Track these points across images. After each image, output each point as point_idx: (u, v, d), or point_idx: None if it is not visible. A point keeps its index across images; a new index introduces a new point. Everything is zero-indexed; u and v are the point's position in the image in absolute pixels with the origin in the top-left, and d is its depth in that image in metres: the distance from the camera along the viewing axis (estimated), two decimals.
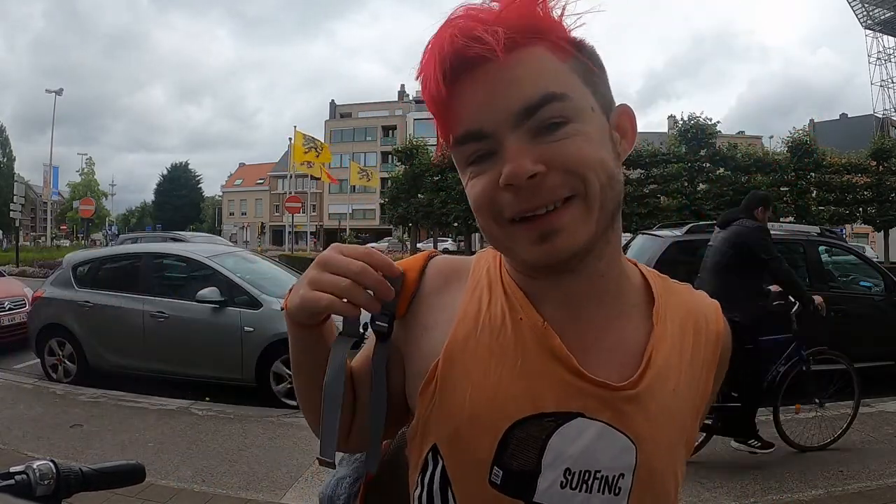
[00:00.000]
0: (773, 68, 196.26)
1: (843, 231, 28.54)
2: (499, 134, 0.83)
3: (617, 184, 0.88)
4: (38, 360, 9.19)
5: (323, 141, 76.46)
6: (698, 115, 29.02)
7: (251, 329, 7.86)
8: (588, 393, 0.88)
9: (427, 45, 0.86)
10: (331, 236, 69.61)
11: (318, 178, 39.15)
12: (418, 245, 35.73)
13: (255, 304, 8.02)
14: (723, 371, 1.06)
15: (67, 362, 8.89)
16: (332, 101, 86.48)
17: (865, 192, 28.27)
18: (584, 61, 0.88)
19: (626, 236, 10.89)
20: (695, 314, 1.02)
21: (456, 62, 0.83)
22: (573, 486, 0.87)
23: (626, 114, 0.94)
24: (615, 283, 0.96)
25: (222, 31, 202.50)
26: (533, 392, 0.88)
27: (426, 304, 1.00)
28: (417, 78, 0.88)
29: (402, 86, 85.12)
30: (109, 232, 66.01)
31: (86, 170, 70.90)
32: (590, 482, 0.87)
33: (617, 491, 0.88)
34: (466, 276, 1.02)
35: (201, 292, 8.15)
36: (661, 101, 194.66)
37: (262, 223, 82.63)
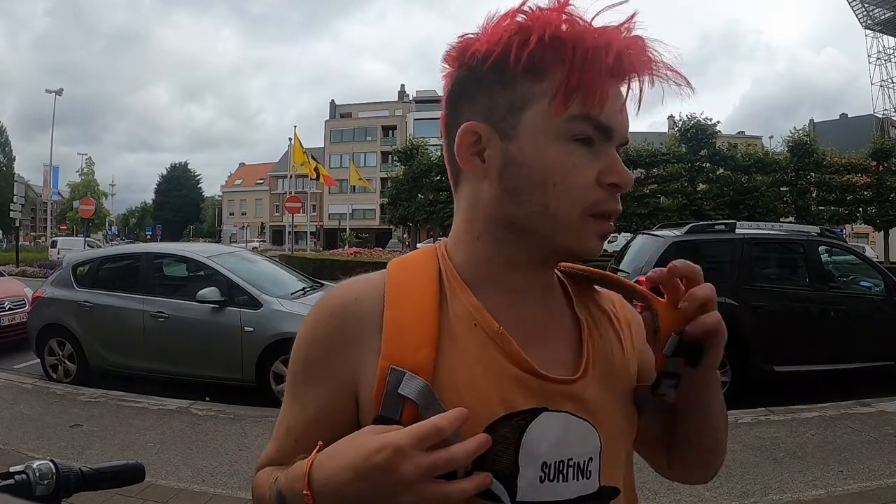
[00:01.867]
0: (777, 68, 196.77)
1: (843, 231, 28.60)
2: (611, 143, 0.92)
3: None
4: (39, 360, 9.19)
5: (322, 144, 77.10)
6: (698, 114, 29.04)
7: (251, 329, 7.85)
8: (548, 389, 0.92)
9: (586, 21, 0.88)
10: (331, 236, 69.64)
11: (317, 179, 39.11)
12: (418, 245, 35.71)
13: (255, 304, 8.01)
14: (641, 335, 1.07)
15: (67, 362, 8.89)
16: (332, 101, 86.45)
17: (865, 192, 28.35)
18: None
19: (626, 236, 10.91)
20: (604, 302, 1.11)
21: (630, 63, 0.90)
22: (550, 477, 0.90)
23: None
24: (555, 279, 1.07)
25: (227, 30, 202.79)
26: (501, 394, 0.89)
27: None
28: (594, 42, 0.87)
29: (403, 86, 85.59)
30: (109, 232, 66.09)
31: (86, 170, 70.92)
32: (564, 471, 0.91)
33: (588, 474, 0.93)
34: (371, 306, 0.94)
35: (201, 292, 8.14)
36: (667, 100, 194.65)
37: (262, 223, 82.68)
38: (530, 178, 0.91)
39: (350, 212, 68.62)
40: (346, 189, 64.49)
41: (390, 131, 77.17)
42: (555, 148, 0.89)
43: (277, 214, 76.66)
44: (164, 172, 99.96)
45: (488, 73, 0.92)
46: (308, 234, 48.55)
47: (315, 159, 38.96)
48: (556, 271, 1.07)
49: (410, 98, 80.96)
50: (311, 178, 40.24)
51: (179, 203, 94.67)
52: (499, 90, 0.92)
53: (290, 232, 42.30)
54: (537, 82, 0.89)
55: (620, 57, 0.87)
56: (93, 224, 58.07)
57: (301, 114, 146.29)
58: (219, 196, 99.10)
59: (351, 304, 0.95)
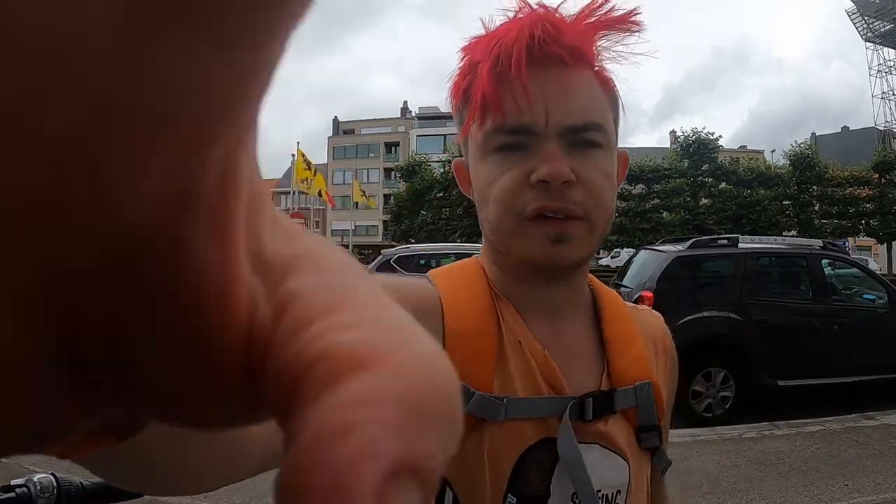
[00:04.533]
0: (786, 82, 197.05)
1: (847, 244, 28.58)
2: (543, 136, 0.88)
3: (611, 219, 0.96)
4: None
5: (325, 160, 77.23)
6: (700, 129, 29.10)
7: None
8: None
9: (504, 26, 0.91)
10: None
11: (319, 196, 39.21)
12: (421, 262, 35.67)
13: None
14: (675, 382, 1.11)
15: None
16: (335, 117, 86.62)
17: (868, 205, 28.41)
18: (617, 101, 0.98)
19: (629, 251, 10.92)
20: (644, 330, 1.05)
21: (538, 53, 0.87)
22: None
23: (624, 160, 1.01)
24: (585, 296, 1.02)
25: None
26: (539, 416, 0.90)
27: None
28: (490, 51, 0.89)
29: (405, 102, 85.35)
30: None
31: None
32: (593, 503, 0.89)
33: None
34: (436, 307, 0.93)
35: None
36: (676, 116, 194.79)
37: None
38: (478, 198, 0.96)
39: (353, 228, 68.60)
40: (349, 205, 64.56)
41: (393, 148, 77.29)
42: (483, 165, 0.93)
43: None
44: None
45: (455, 116, 1.00)
46: None
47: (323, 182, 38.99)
48: (592, 287, 1.05)
49: (413, 114, 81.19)
50: (314, 197, 40.34)
51: None
52: (458, 126, 0.99)
53: None
54: (468, 107, 0.94)
55: (535, 47, 0.87)
56: None
57: (308, 129, 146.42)
58: None
59: (417, 292, 0.93)
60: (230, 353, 0.17)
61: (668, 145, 47.06)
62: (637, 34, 0.92)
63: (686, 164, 28.64)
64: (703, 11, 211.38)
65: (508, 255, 0.94)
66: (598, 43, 0.92)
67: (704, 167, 28.55)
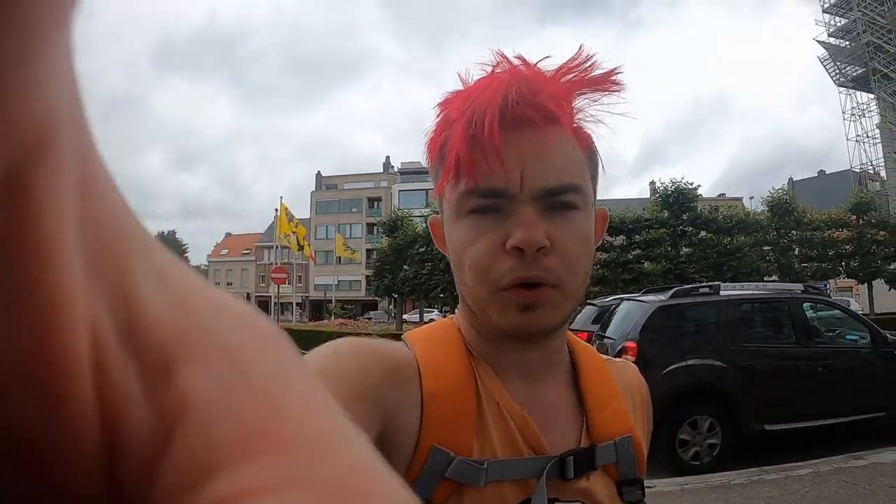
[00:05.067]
0: (762, 129, 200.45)
1: (828, 286, 28.80)
2: (518, 199, 0.86)
3: (586, 282, 0.93)
4: None
5: (308, 215, 77.37)
6: (679, 179, 29.39)
7: None
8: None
9: (479, 84, 0.89)
10: (317, 308, 69.49)
11: (301, 250, 39.22)
12: (404, 317, 35.68)
13: None
14: (650, 429, 1.10)
15: None
16: (318, 172, 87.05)
17: (847, 246, 28.70)
18: (595, 160, 0.95)
19: (611, 302, 10.92)
20: (621, 383, 1.04)
21: (512, 115, 0.85)
22: None
23: (603, 217, 1.00)
24: (563, 356, 1.01)
25: (224, 97, 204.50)
26: (519, 477, 0.88)
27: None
28: (465, 111, 0.87)
29: (388, 157, 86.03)
30: None
31: None
32: None
33: None
34: (412, 369, 0.90)
35: None
36: (657, 166, 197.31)
37: (248, 293, 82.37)
38: (453, 259, 0.93)
39: (336, 283, 68.64)
40: (332, 260, 64.57)
41: (375, 203, 77.58)
42: (458, 227, 0.91)
43: (263, 285, 76.27)
44: None
45: (431, 173, 0.99)
46: (294, 304, 48.49)
47: (305, 232, 39.12)
48: (569, 344, 1.04)
49: (395, 169, 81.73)
50: (295, 251, 40.27)
51: None
52: (434, 184, 0.97)
53: (275, 303, 42.16)
54: (443, 168, 0.92)
55: (509, 108, 0.85)
56: None
57: (293, 183, 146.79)
58: (205, 265, 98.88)
59: (394, 354, 0.90)
60: (82, 478, 0.15)
61: (648, 196, 47.47)
62: (617, 94, 0.91)
63: (666, 215, 28.79)
64: (682, 62, 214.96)
65: (483, 319, 0.92)
66: (576, 102, 0.91)
67: (684, 216, 28.75)
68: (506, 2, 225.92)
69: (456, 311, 1.03)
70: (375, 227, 52.19)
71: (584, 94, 0.91)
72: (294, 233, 36.29)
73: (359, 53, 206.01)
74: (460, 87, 0.93)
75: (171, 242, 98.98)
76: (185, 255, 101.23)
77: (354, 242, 66.36)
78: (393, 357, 0.88)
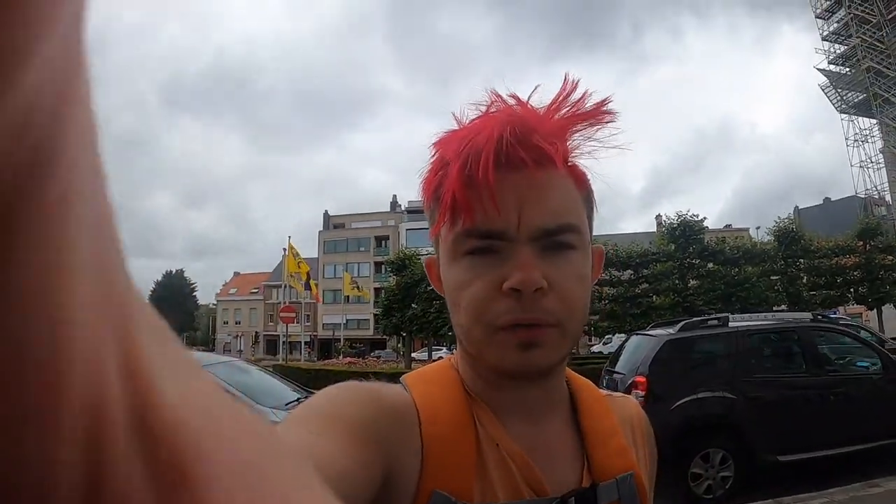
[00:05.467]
0: (766, 158, 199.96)
1: (837, 313, 28.56)
2: (515, 241, 0.86)
3: (585, 321, 0.94)
4: None
5: (316, 254, 77.31)
6: (685, 212, 29.35)
7: None
8: None
9: (474, 125, 0.89)
10: (325, 346, 69.16)
11: (308, 289, 39.20)
12: (413, 355, 35.51)
13: None
14: (654, 465, 1.10)
15: None
16: (326, 211, 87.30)
17: (855, 273, 28.43)
18: (591, 197, 0.95)
19: (620, 337, 10.90)
20: (621, 418, 1.04)
21: (507, 156, 0.85)
22: None
23: (599, 255, 1.01)
24: (562, 394, 1.00)
25: (234, 136, 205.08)
26: None
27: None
28: (461, 152, 0.86)
29: (395, 196, 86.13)
30: None
31: None
32: None
33: None
34: (411, 413, 0.90)
35: None
36: (664, 201, 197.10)
37: (257, 332, 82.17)
38: (449, 300, 0.93)
39: (344, 322, 68.36)
40: (340, 299, 64.39)
41: (383, 241, 77.69)
42: (454, 268, 0.90)
43: (272, 324, 76.18)
44: (159, 279, 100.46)
45: (427, 214, 0.98)
46: (302, 343, 48.32)
47: (308, 269, 39.18)
48: (568, 381, 1.03)
49: (403, 208, 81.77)
50: (300, 292, 40.26)
51: (174, 311, 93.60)
52: (430, 225, 0.97)
53: (284, 342, 42.09)
54: (439, 209, 0.91)
55: (503, 150, 0.84)
56: None
57: (301, 222, 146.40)
58: (213, 304, 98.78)
59: (393, 397, 0.89)
60: None
61: (654, 229, 47.44)
62: (610, 125, 0.91)
63: (673, 248, 28.65)
64: (686, 94, 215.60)
65: (481, 361, 0.91)
66: (571, 140, 0.91)
67: (691, 249, 28.62)
68: (512, 39, 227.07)
69: (453, 351, 1.03)
70: (383, 266, 52.18)
71: (579, 129, 0.90)
72: (297, 272, 36.35)
73: (367, 92, 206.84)
74: (455, 126, 0.93)
75: (180, 281, 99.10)
76: (194, 294, 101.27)
77: (362, 281, 66.34)
78: (393, 401, 0.88)
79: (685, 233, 28.71)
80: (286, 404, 8.37)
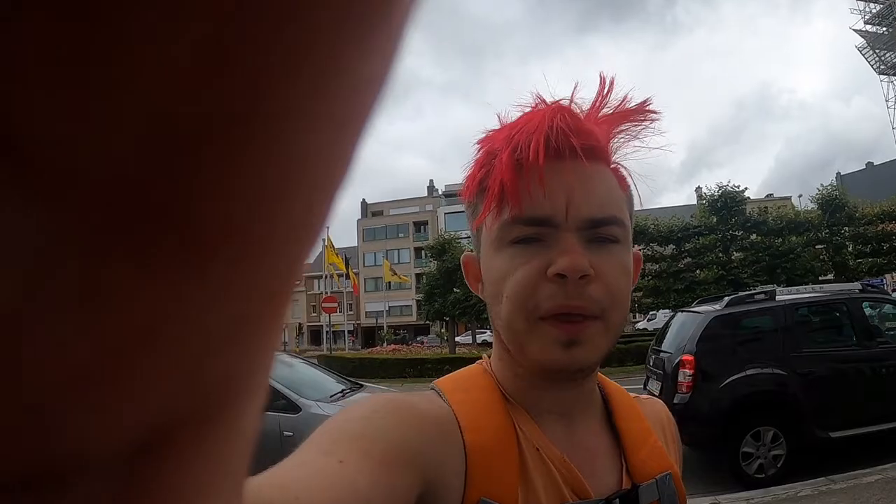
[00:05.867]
0: (807, 125, 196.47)
1: (884, 282, 28.02)
2: (562, 228, 0.84)
3: (626, 319, 0.94)
4: None
5: (356, 243, 77.64)
6: (725, 183, 28.99)
7: (290, 433, 7.68)
8: None
9: (522, 118, 0.89)
10: (369, 334, 69.62)
11: (347, 277, 39.49)
12: (457, 339, 35.65)
13: (293, 408, 7.93)
14: (680, 469, 1.06)
15: None
16: (363, 199, 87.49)
17: None
18: (631, 199, 0.95)
19: (665, 313, 10.79)
20: (652, 420, 1.03)
21: (557, 144, 0.84)
22: None
23: (638, 259, 0.99)
24: (596, 395, 0.99)
25: None
26: None
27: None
28: (511, 139, 0.86)
29: (431, 181, 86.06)
30: None
31: None
32: None
33: None
34: (453, 424, 0.87)
35: None
36: (704, 173, 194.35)
37: (300, 323, 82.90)
38: (490, 293, 0.91)
39: (387, 309, 68.70)
40: (382, 287, 64.74)
41: (422, 227, 77.61)
42: (498, 258, 0.88)
43: (315, 314, 76.80)
44: None
45: (466, 209, 0.98)
46: (346, 332, 48.71)
47: (347, 260, 39.45)
48: (599, 383, 1.01)
49: (440, 192, 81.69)
50: (342, 276, 40.50)
51: None
52: (471, 219, 0.96)
53: (327, 332, 42.44)
54: (483, 198, 0.90)
55: (554, 136, 0.84)
56: None
57: (340, 212, 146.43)
58: None
59: (433, 411, 0.87)
60: None
61: (695, 202, 46.87)
62: (653, 125, 0.91)
63: (715, 220, 28.34)
64: (722, 62, 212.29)
65: (520, 357, 0.89)
66: (614, 140, 0.91)
67: (733, 221, 28.27)
68: (542, 15, 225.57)
69: (485, 356, 1.01)
70: (423, 252, 52.26)
71: (622, 130, 0.90)
72: (334, 263, 36.61)
73: (398, 78, 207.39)
74: (499, 125, 0.93)
75: None
76: None
77: (402, 268, 66.59)
78: (432, 415, 0.86)
79: (727, 204, 28.41)
80: (330, 396, 8.45)
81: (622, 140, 0.91)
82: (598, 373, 1.01)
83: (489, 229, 0.90)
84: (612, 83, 0.89)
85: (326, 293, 39.96)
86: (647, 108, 0.90)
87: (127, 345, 0.13)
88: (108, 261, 0.13)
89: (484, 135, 0.94)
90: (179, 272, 0.13)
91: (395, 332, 63.45)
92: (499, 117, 0.93)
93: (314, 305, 76.89)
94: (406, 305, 74.80)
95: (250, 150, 0.14)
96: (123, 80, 0.12)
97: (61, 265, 0.12)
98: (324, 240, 38.41)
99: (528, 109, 0.90)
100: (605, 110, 0.89)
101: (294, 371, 9.52)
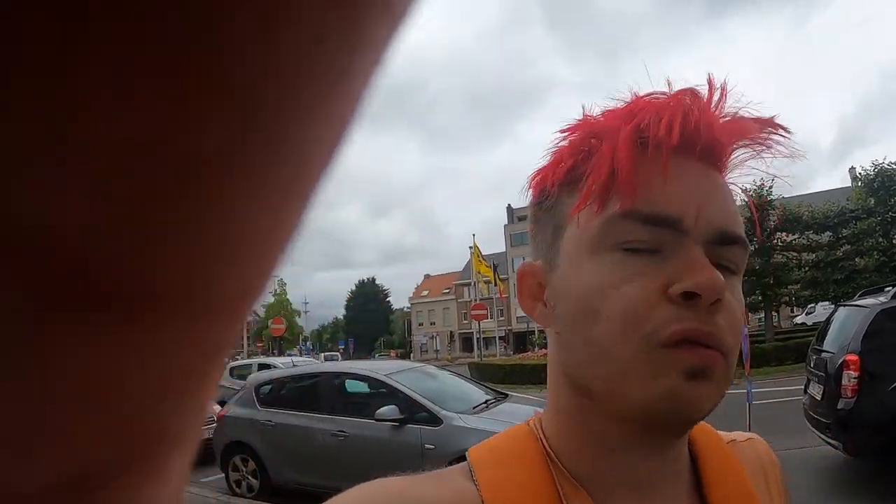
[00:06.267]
0: None
1: None
2: (690, 237, 0.63)
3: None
4: (224, 475, 9.65)
5: (503, 249, 77.89)
6: (881, 160, 27.00)
7: (432, 446, 7.72)
8: None
9: (645, 96, 0.69)
10: (520, 339, 69.42)
11: (494, 284, 39.64)
12: None
13: (435, 420, 7.90)
14: None
15: (251, 478, 9.25)
16: (509, 205, 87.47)
17: None
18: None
19: (824, 306, 9.99)
20: (749, 469, 0.78)
21: (691, 133, 0.65)
22: None
23: None
24: (684, 459, 0.73)
25: (411, 145, 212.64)
26: None
27: None
28: (631, 118, 0.66)
29: None
30: (303, 348, 69.00)
31: (278, 291, 74.90)
32: None
33: None
34: None
35: (380, 410, 8.11)
36: (856, 150, 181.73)
37: (451, 332, 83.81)
38: (570, 311, 0.67)
39: None
40: None
41: None
42: (592, 265, 0.65)
43: (466, 322, 77.47)
44: (353, 289, 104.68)
45: (537, 206, 0.76)
46: (497, 338, 48.65)
47: (495, 266, 39.47)
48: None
49: None
50: (488, 283, 40.65)
51: (369, 317, 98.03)
52: (545, 217, 0.74)
53: (478, 338, 42.59)
54: (576, 192, 0.68)
55: (683, 127, 0.64)
56: (286, 341, 60.64)
57: (487, 219, 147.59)
58: (407, 308, 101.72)
59: (443, 500, 0.66)
60: None
61: (849, 184, 44.02)
62: (779, 149, 0.70)
63: (873, 202, 26.46)
64: (864, 32, 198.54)
65: (611, 399, 0.65)
66: (736, 152, 0.71)
67: (893, 201, 26.22)
68: (671, 4, 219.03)
69: (534, 413, 0.78)
70: None
71: (746, 142, 0.70)
72: (481, 274, 36.74)
73: (533, 82, 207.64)
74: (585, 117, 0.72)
75: (373, 289, 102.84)
76: (388, 299, 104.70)
77: None
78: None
79: (884, 184, 26.51)
80: (473, 408, 8.32)
81: (743, 154, 0.71)
82: None
83: (582, 228, 0.67)
84: (723, 89, 0.67)
85: (476, 300, 40.14)
86: (775, 121, 0.69)
87: (57, 399, 0.14)
88: (41, 326, 0.13)
89: (568, 125, 0.73)
90: (110, 336, 0.14)
91: (545, 337, 62.69)
92: (584, 110, 0.73)
93: (464, 313, 77.68)
94: None
95: (185, 227, 0.14)
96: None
97: None
98: (471, 248, 38.67)
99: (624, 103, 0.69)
100: (724, 115, 0.68)
101: (438, 382, 9.53)
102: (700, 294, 0.60)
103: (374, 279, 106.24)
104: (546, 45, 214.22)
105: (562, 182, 0.71)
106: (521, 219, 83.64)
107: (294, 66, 0.13)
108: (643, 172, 0.63)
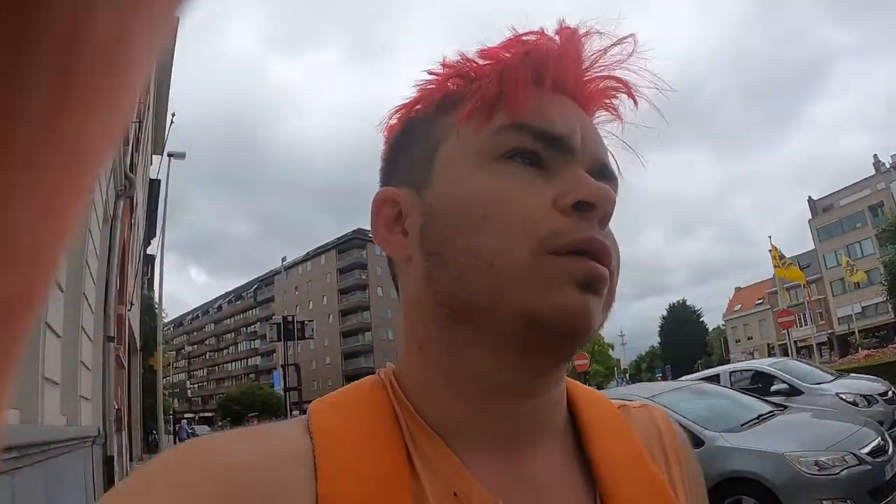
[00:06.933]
0: None
1: None
2: (572, 160, 0.62)
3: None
4: None
5: (812, 246, 72.42)
6: None
7: None
8: None
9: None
10: (843, 343, 63.46)
11: (804, 287, 36.94)
12: None
13: (696, 441, 7.33)
14: (703, 492, 0.75)
15: None
16: (810, 197, 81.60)
17: None
18: None
19: None
20: (642, 435, 0.71)
21: (565, 73, 0.66)
22: None
23: None
24: (561, 412, 0.68)
25: (702, 157, 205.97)
26: None
27: None
28: (517, 50, 0.65)
29: (875, 156, 76.75)
30: (620, 380, 68.37)
31: None
32: None
33: None
34: (302, 467, 0.56)
35: None
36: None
37: (769, 344, 79.00)
38: (449, 223, 0.62)
39: (859, 311, 62.34)
40: (850, 289, 59.30)
41: (878, 210, 69.30)
42: (481, 174, 0.62)
43: (783, 332, 72.89)
44: (664, 314, 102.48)
45: (401, 132, 0.72)
46: (814, 345, 45.07)
47: (802, 267, 36.88)
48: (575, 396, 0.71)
49: (888, 166, 72.61)
50: (789, 288, 37.97)
51: (684, 340, 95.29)
52: (415, 142, 0.69)
53: (795, 347, 39.77)
54: (453, 111, 0.66)
55: (561, 56, 0.64)
56: (602, 376, 60.25)
57: (791, 217, 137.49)
58: (722, 325, 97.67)
59: (259, 456, 0.56)
60: None
61: None
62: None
63: None
64: None
65: (499, 314, 0.59)
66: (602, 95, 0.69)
67: None
68: None
69: (386, 365, 0.70)
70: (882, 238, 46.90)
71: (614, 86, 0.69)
72: (784, 278, 34.42)
73: (811, 57, 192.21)
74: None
75: (684, 310, 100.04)
76: (701, 319, 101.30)
77: (867, 261, 60.47)
78: (251, 465, 0.55)
79: None
80: (741, 424, 7.76)
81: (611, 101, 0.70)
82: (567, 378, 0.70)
83: (466, 140, 0.64)
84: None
85: (780, 308, 37.71)
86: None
87: None
88: None
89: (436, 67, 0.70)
90: None
91: (866, 337, 56.76)
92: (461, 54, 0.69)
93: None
94: (882, 303, 67.09)
95: None
96: None
97: None
98: (769, 250, 36.48)
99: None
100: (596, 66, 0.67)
101: (705, 399, 9.00)
102: (595, 203, 0.59)
103: (684, 301, 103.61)
104: (814, 15, 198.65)
105: (438, 103, 0.68)
106: (826, 209, 77.84)
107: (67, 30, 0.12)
108: (529, 93, 0.62)
